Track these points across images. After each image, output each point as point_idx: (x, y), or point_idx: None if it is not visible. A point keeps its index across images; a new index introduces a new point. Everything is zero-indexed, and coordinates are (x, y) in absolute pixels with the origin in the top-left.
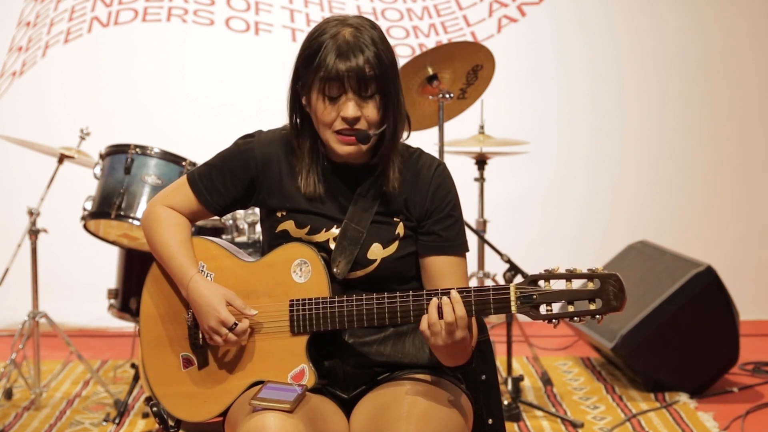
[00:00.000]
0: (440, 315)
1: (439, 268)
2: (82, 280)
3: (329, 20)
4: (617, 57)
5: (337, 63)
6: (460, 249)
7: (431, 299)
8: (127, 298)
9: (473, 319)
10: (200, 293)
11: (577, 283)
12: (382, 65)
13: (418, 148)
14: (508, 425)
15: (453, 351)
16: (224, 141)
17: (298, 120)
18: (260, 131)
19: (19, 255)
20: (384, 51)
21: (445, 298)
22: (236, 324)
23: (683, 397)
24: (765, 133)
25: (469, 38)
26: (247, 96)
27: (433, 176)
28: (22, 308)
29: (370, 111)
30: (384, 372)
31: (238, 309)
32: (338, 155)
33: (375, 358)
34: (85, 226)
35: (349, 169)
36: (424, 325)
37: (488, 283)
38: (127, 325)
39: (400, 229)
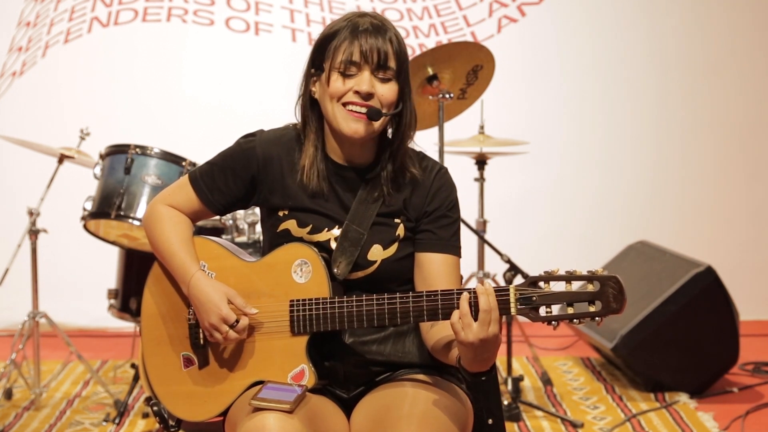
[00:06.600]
0: (475, 308)
1: (432, 266)
2: (82, 280)
3: (345, 15)
4: (617, 57)
5: (360, 39)
6: (454, 250)
7: (462, 294)
8: (127, 298)
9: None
10: (202, 290)
11: (576, 285)
12: (402, 50)
13: (421, 152)
14: (508, 425)
15: (484, 348)
16: (224, 141)
17: (306, 109)
18: (261, 130)
19: (19, 255)
20: (402, 40)
21: (480, 287)
22: (237, 321)
23: (683, 397)
24: (766, 133)
25: (469, 38)
26: (247, 96)
27: (434, 179)
28: (22, 308)
29: (386, 91)
30: (384, 371)
31: (239, 307)
32: (343, 135)
33: (375, 357)
34: (85, 226)
35: (352, 169)
36: (455, 317)
37: (488, 283)
38: (127, 325)
39: (400, 231)
